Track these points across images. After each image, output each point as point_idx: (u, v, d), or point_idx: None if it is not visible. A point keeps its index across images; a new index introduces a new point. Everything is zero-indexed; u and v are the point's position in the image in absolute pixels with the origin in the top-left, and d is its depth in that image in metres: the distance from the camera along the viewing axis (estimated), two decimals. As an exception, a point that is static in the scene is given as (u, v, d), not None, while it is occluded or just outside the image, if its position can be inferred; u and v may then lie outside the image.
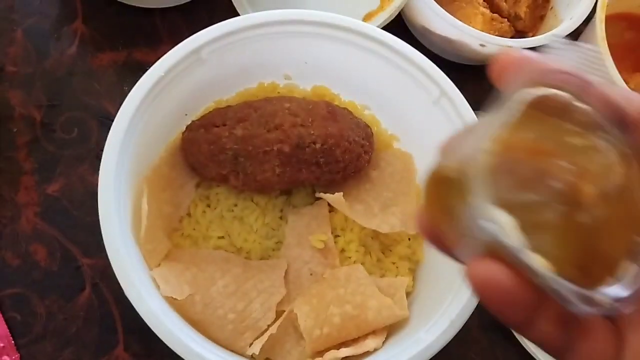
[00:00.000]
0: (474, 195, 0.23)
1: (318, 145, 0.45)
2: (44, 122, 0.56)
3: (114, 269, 0.37)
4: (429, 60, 0.47)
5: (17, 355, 0.51)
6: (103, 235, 0.37)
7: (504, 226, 0.22)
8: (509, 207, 0.23)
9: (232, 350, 0.44)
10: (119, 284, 0.53)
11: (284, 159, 0.45)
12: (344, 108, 0.49)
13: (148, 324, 0.37)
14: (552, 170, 0.24)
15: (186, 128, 0.46)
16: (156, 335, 0.49)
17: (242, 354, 0.44)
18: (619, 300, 0.22)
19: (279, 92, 0.50)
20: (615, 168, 0.24)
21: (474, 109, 0.47)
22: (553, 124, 0.25)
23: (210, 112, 0.46)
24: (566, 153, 0.24)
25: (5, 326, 0.51)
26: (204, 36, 0.42)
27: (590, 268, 0.23)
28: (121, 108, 0.40)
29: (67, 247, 0.54)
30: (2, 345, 0.50)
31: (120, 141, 0.39)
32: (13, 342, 0.51)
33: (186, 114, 0.47)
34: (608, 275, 0.23)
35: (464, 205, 0.23)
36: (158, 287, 0.42)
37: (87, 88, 0.58)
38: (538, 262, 0.22)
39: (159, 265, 0.44)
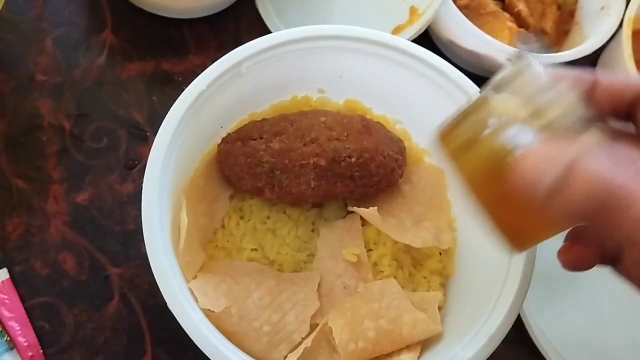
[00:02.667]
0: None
1: (353, 159, 0.45)
2: (73, 131, 0.56)
3: (158, 282, 0.37)
4: (461, 73, 0.48)
5: (46, 364, 0.51)
6: (147, 249, 0.38)
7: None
8: None
9: (266, 363, 0.44)
10: (147, 293, 0.54)
11: (319, 173, 0.45)
12: (378, 122, 0.49)
13: (191, 336, 0.37)
14: None
15: (222, 140, 0.46)
16: (184, 346, 0.49)
17: (276, 367, 0.44)
18: None
19: (312, 105, 0.50)
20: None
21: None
22: None
23: (247, 125, 0.47)
24: None
25: (34, 335, 0.51)
26: (244, 51, 0.42)
27: None
28: (163, 123, 0.40)
29: (95, 257, 0.54)
30: (31, 354, 0.50)
31: (162, 156, 0.39)
32: (42, 351, 0.51)
33: (222, 127, 0.47)
34: None
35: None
36: (196, 299, 0.42)
37: (116, 98, 0.58)
38: None
39: (195, 277, 0.44)
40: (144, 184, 0.38)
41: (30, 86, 0.57)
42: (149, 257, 0.37)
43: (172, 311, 0.37)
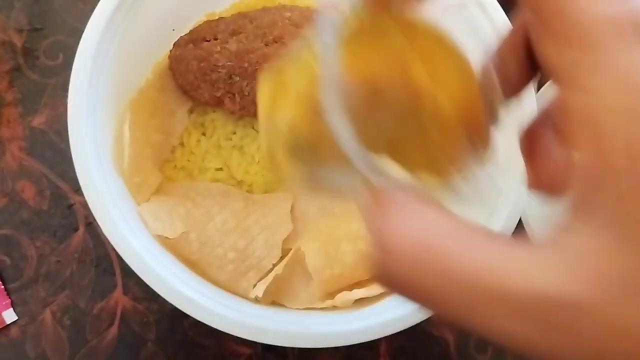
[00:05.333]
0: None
1: (324, 61, 0.39)
2: (26, 47, 0.51)
3: (89, 204, 0.32)
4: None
5: (9, 300, 0.47)
6: (75, 167, 0.33)
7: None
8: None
9: (234, 293, 0.39)
10: (115, 222, 0.49)
11: (285, 77, 0.39)
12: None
13: (130, 265, 0.32)
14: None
15: (174, 45, 0.41)
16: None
17: (245, 297, 0.39)
18: None
19: (279, 2, 0.44)
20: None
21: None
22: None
23: (200, 25, 0.41)
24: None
25: (-6, 270, 0.47)
26: None
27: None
28: (90, 21, 0.34)
29: (57, 184, 0.49)
30: (-9, 290, 0.46)
31: (91, 59, 0.34)
32: (3, 287, 0.47)
33: (174, 29, 0.41)
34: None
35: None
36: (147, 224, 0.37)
37: (72, 9, 0.52)
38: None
39: (149, 200, 0.39)
40: (69, 95, 0.33)
41: (-25, -1, 0.51)
42: (78, 177, 0.32)
43: (107, 236, 0.32)
